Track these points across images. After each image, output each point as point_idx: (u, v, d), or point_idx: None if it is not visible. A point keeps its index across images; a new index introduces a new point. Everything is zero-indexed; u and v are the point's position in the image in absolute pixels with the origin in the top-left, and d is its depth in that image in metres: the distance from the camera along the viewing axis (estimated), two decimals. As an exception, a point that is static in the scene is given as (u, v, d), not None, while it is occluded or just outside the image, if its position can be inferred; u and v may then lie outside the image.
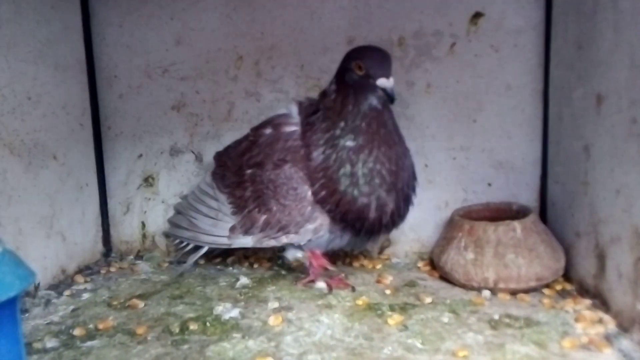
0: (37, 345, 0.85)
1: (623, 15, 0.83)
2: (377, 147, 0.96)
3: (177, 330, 0.90)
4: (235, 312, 0.96)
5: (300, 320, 0.93)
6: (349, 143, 0.98)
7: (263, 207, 1.06)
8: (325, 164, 1.00)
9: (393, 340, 0.85)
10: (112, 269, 1.26)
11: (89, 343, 0.86)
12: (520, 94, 1.22)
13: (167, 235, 1.33)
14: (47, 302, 1.04)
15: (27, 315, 0.98)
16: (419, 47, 1.24)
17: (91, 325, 0.93)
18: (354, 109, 0.97)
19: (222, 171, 1.19)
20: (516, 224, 1.03)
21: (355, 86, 0.97)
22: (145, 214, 1.37)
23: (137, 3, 1.30)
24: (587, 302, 0.95)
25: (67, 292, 1.10)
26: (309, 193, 1.02)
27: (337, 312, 0.96)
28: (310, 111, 1.07)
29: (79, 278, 1.18)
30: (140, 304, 1.02)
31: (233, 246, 1.11)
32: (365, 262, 1.26)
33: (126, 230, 1.37)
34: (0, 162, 1.00)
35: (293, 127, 1.08)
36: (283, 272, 1.21)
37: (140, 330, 0.90)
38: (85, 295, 1.09)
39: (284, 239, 1.06)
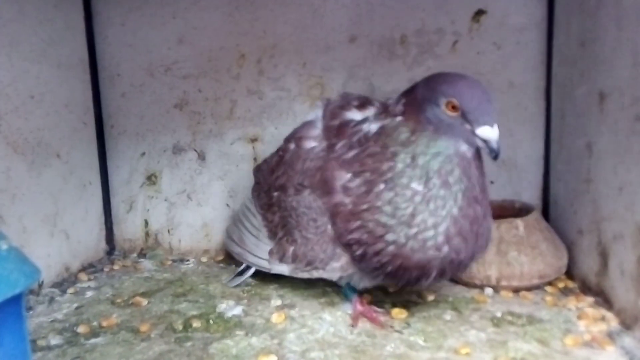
0: (41, 343, 0.86)
1: (626, 12, 0.83)
2: (452, 200, 0.76)
3: (180, 327, 0.91)
4: (238, 310, 0.97)
5: (303, 318, 0.93)
6: (416, 186, 0.76)
7: (290, 237, 0.94)
8: (370, 201, 0.79)
9: (395, 338, 0.85)
10: (116, 267, 1.26)
11: (92, 340, 0.87)
12: (522, 91, 1.22)
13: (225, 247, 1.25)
14: (51, 300, 1.05)
15: (31, 312, 0.99)
16: (421, 45, 1.24)
17: (95, 323, 0.93)
18: (431, 148, 0.76)
19: (258, 189, 1.09)
20: (519, 222, 1.03)
21: (438, 125, 0.76)
22: (148, 212, 1.37)
23: (139, 2, 1.30)
24: (590, 299, 0.95)
25: (70, 290, 1.10)
26: (329, 227, 0.85)
27: (339, 310, 0.96)
28: (342, 119, 0.89)
29: (83, 276, 1.18)
30: (144, 302, 1.03)
31: (272, 271, 1.00)
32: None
33: (129, 229, 1.37)
34: (3, 160, 1.00)
35: (313, 143, 0.91)
36: (286, 270, 1.21)
37: (143, 328, 0.90)
38: (89, 293, 1.09)
39: (315, 273, 0.91)
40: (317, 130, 0.92)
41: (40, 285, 1.08)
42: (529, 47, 1.19)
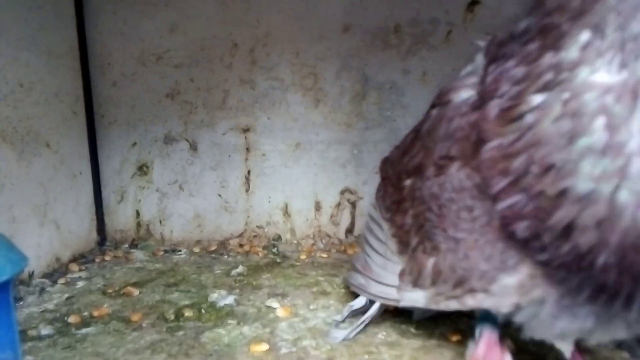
0: (31, 333, 0.85)
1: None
2: None
3: (172, 317, 0.90)
4: (230, 299, 0.97)
5: (295, 307, 0.93)
6: (604, 76, 0.43)
7: (428, 244, 0.63)
8: (532, 136, 0.47)
9: (387, 326, 0.85)
10: (107, 258, 1.25)
11: (83, 330, 0.86)
12: (515, 82, 1.21)
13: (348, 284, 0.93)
14: (42, 291, 1.04)
15: (21, 303, 0.98)
16: (415, 35, 1.24)
17: (86, 313, 0.93)
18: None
19: (384, 186, 0.82)
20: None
21: None
22: (139, 203, 1.36)
23: (130, -11, 1.29)
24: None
25: (61, 281, 1.09)
26: (495, 217, 0.52)
27: (332, 299, 0.96)
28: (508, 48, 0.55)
29: (74, 266, 1.17)
30: (135, 292, 1.02)
31: (402, 304, 0.70)
32: (360, 249, 1.26)
33: (120, 219, 1.37)
34: (-8, 149, 0.99)
35: (466, 93, 0.60)
36: (278, 260, 1.21)
37: (135, 318, 0.90)
38: (80, 284, 1.08)
39: (470, 301, 0.57)
40: (475, 77, 0.60)
41: (31, 276, 1.07)
42: (522, 38, 1.19)
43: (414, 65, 1.25)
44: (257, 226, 1.34)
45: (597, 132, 0.42)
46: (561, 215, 0.44)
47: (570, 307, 0.48)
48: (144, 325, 0.88)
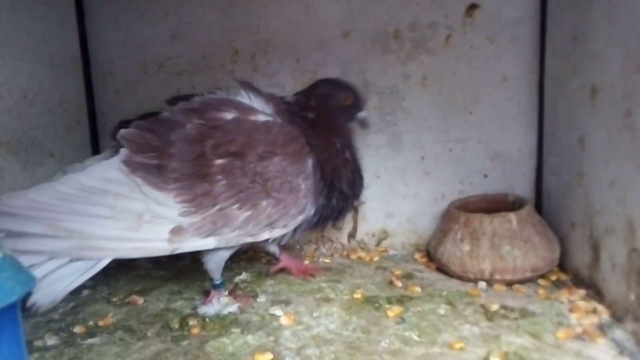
0: (37, 343, 0.86)
1: (618, 7, 0.83)
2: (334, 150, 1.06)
3: (176, 326, 0.91)
4: (234, 307, 0.97)
5: (298, 314, 0.94)
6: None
7: (245, 204, 0.92)
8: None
9: (390, 333, 0.86)
10: (112, 265, 1.26)
11: (89, 340, 0.87)
12: (516, 85, 1.22)
13: None
14: (48, 299, 1.05)
15: (27, 313, 0.99)
16: (414, 39, 1.24)
17: (91, 323, 0.94)
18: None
19: (158, 160, 0.92)
20: (512, 216, 1.04)
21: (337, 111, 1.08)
22: (143, 210, 1.37)
23: (131, -2, 1.30)
24: (582, 292, 0.96)
25: (67, 289, 1.10)
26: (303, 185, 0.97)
27: (335, 306, 0.97)
28: (282, 105, 1.05)
29: (79, 274, 1.18)
30: (140, 300, 1.03)
31: (177, 251, 0.91)
32: (363, 254, 1.27)
33: (125, 226, 1.37)
34: (-3, 161, 1.00)
35: (266, 117, 0.98)
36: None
37: (140, 327, 0.91)
38: (85, 292, 1.10)
39: (266, 235, 0.96)
40: (268, 108, 1.02)
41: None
42: (522, 41, 1.19)
43: (414, 70, 1.25)
44: (260, 231, 1.34)
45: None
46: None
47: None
48: (148, 334, 0.89)
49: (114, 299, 1.05)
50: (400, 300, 0.98)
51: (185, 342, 0.85)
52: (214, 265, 1.00)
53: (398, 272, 1.13)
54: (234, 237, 0.94)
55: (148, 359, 0.80)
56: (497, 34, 1.21)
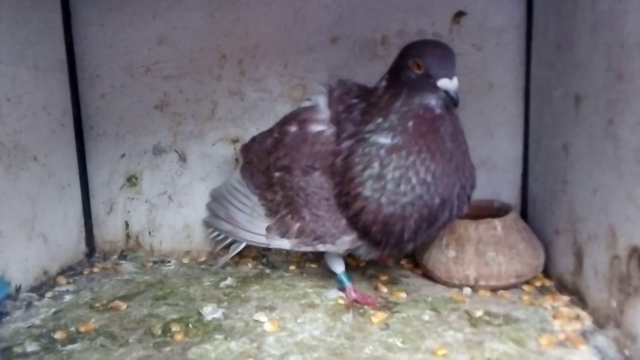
0: (17, 350, 0.85)
1: (601, 17, 0.84)
2: (423, 152, 0.83)
3: (159, 332, 0.90)
4: (218, 313, 0.97)
5: (283, 320, 0.93)
6: (383, 140, 0.85)
7: (296, 215, 0.98)
8: (346, 163, 0.89)
9: (374, 340, 0.86)
10: (96, 270, 1.25)
11: (69, 347, 0.86)
12: (502, 92, 1.23)
13: (206, 224, 1.29)
14: (29, 305, 1.04)
15: (7, 318, 0.97)
16: (402, 45, 1.24)
17: (72, 328, 0.93)
18: (402, 107, 0.85)
19: (250, 169, 1.11)
20: (497, 222, 1.04)
21: (410, 85, 0.84)
22: (128, 214, 1.36)
23: (118, 1, 1.29)
24: (566, 298, 0.97)
25: (49, 294, 1.09)
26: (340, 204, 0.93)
27: (320, 312, 0.96)
28: (348, 103, 0.96)
29: (62, 279, 1.17)
30: (123, 306, 1.02)
31: (271, 246, 1.06)
32: (349, 260, 1.26)
33: (109, 230, 1.36)
34: (-21, 164, 0.99)
35: (320, 126, 0.96)
36: (267, 271, 1.21)
37: (122, 333, 0.90)
38: (68, 297, 1.08)
39: (321, 247, 0.97)
40: (324, 115, 0.96)
41: (18, 290, 1.07)
42: (508, 49, 1.20)
43: (402, 76, 1.25)
44: (246, 237, 1.34)
45: (375, 167, 0.85)
46: (356, 206, 0.87)
47: (372, 246, 0.94)
48: (130, 341, 0.88)
49: (97, 305, 1.03)
50: (385, 306, 0.98)
51: (168, 349, 0.85)
52: (327, 260, 1.07)
53: (384, 278, 1.13)
54: (296, 244, 1.00)
55: (129, 366, 0.79)
56: (483, 41, 1.21)
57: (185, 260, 1.30)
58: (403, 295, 1.03)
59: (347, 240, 0.94)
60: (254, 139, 1.15)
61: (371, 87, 0.96)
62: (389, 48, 1.25)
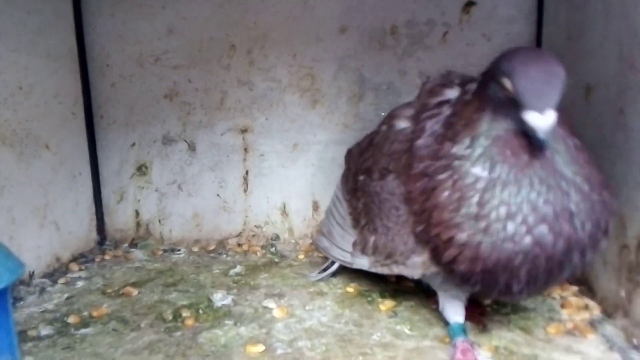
0: (31, 333, 0.86)
1: (612, 6, 0.84)
2: (527, 185, 0.64)
3: (170, 317, 0.92)
4: (228, 300, 0.98)
5: (291, 307, 0.94)
6: (479, 171, 0.66)
7: (371, 225, 0.85)
8: (432, 196, 0.70)
9: (382, 327, 0.86)
10: (107, 257, 1.27)
11: (82, 330, 0.87)
12: (511, 83, 1.22)
13: (314, 243, 1.18)
14: (42, 291, 1.05)
15: (21, 303, 0.99)
16: (411, 36, 1.24)
17: (85, 313, 0.94)
18: (490, 130, 0.67)
19: (347, 174, 1.02)
20: (505, 213, 1.04)
21: (497, 104, 0.66)
22: (139, 203, 1.37)
23: (128, -9, 1.30)
24: (574, 288, 0.97)
25: (61, 280, 1.11)
26: (411, 217, 0.75)
27: (328, 300, 0.97)
28: (440, 97, 0.79)
29: (74, 266, 1.19)
30: (134, 292, 1.03)
31: (354, 266, 0.91)
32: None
33: (120, 219, 1.38)
34: (-8, 152, 1.00)
35: (405, 124, 0.81)
36: (276, 259, 1.22)
37: (133, 318, 0.91)
38: (80, 284, 1.10)
39: (395, 269, 0.79)
40: (412, 110, 0.82)
41: (31, 276, 1.09)
42: (518, 39, 1.20)
43: (411, 66, 1.25)
44: (255, 226, 1.35)
45: (472, 205, 0.65)
46: (449, 254, 0.68)
47: (452, 280, 0.73)
48: (142, 325, 0.89)
49: (109, 291, 1.05)
50: (393, 295, 0.98)
51: (179, 333, 0.86)
52: (440, 299, 0.83)
53: (392, 268, 1.13)
54: (373, 263, 0.85)
55: (141, 349, 0.81)
56: (493, 31, 1.21)
57: (195, 249, 1.31)
58: (411, 284, 1.03)
59: (418, 263, 0.74)
60: (357, 142, 1.04)
61: (473, 81, 0.77)
62: (398, 38, 1.25)
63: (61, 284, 1.10)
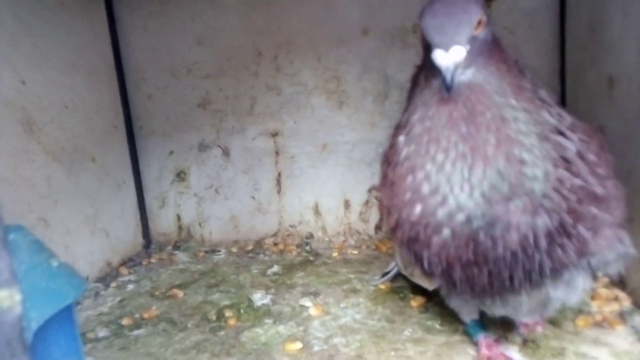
0: (90, 335, 0.95)
1: (632, -2, 0.84)
2: (441, 149, 0.59)
3: (214, 317, 0.98)
4: (267, 299, 1.04)
5: (327, 305, 0.99)
6: (402, 139, 0.65)
7: None
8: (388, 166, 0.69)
9: (414, 322, 0.90)
10: (153, 260, 1.35)
11: (135, 332, 0.95)
12: (537, 75, 1.21)
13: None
14: (97, 294, 1.14)
15: (79, 307, 1.08)
16: (433, 33, 1.26)
17: (137, 315, 1.02)
18: (422, 92, 0.63)
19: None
20: (533, 206, 1.05)
21: (425, 63, 0.64)
22: (179, 207, 1.45)
23: (158, 6, 1.36)
24: (605, 279, 0.98)
25: (113, 284, 1.19)
26: None
27: (361, 297, 1.02)
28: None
29: (123, 270, 1.27)
30: (180, 294, 1.11)
31: (403, 272, 0.96)
32: (390, 245, 1.31)
33: (163, 223, 1.46)
34: (44, 169, 1.09)
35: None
36: (311, 258, 1.27)
37: (180, 319, 0.98)
38: (130, 287, 1.18)
39: (414, 279, 0.86)
40: None
41: (86, 281, 1.18)
42: (542, 31, 1.20)
43: (434, 63, 1.27)
44: (289, 225, 1.41)
45: (398, 176, 0.65)
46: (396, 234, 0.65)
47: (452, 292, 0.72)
48: (189, 326, 0.96)
49: (157, 293, 1.12)
50: (424, 291, 1.01)
51: (222, 333, 0.92)
52: (451, 305, 0.81)
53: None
54: (403, 269, 0.92)
55: (189, 349, 0.88)
56: (516, 24, 1.21)
57: (234, 250, 1.38)
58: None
59: (419, 275, 0.78)
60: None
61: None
62: (419, 36, 1.26)
63: (113, 287, 1.18)
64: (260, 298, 1.04)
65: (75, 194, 1.18)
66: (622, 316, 0.86)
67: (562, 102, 1.20)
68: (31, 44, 1.07)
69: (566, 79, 1.17)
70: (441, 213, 0.58)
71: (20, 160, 1.02)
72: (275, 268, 1.21)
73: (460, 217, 0.57)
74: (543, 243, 0.57)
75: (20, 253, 0.53)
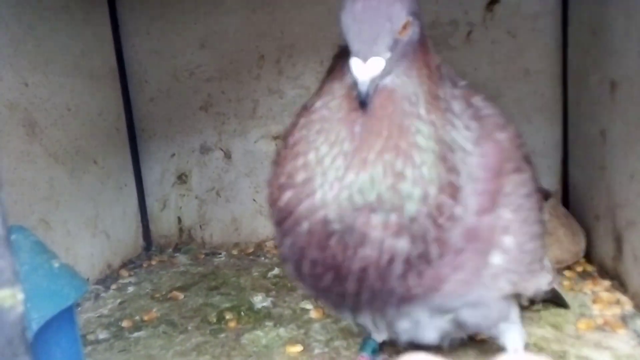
0: (90, 337, 0.94)
1: (634, 2, 0.84)
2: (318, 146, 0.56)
3: (214, 320, 0.98)
4: (267, 302, 1.04)
5: (328, 308, 0.99)
6: (302, 120, 0.61)
7: None
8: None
9: (415, 326, 0.90)
10: (153, 262, 1.35)
11: (136, 334, 0.95)
12: (539, 78, 1.23)
13: None
14: (97, 296, 1.14)
15: (79, 309, 1.08)
16: (435, 37, 1.26)
17: (137, 317, 1.02)
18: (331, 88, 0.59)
19: None
20: (535, 209, 1.05)
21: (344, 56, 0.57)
22: (180, 210, 1.45)
23: (161, 10, 1.36)
24: (606, 283, 0.98)
25: (113, 286, 1.19)
26: None
27: (362, 300, 1.01)
28: None
29: (124, 272, 1.27)
30: (180, 296, 1.11)
31: None
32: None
33: (164, 225, 1.46)
34: (46, 171, 1.09)
35: None
36: (312, 261, 1.27)
37: (181, 321, 0.98)
38: (130, 289, 1.18)
39: None
40: None
41: (87, 283, 1.17)
42: (543, 35, 1.20)
43: (436, 67, 1.27)
44: (290, 228, 1.40)
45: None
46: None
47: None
48: (189, 328, 0.96)
49: (157, 295, 1.12)
50: (425, 294, 1.02)
51: (223, 335, 0.92)
52: None
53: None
54: None
55: (189, 351, 0.87)
56: (518, 28, 1.21)
57: (235, 252, 1.38)
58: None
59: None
60: None
61: None
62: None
63: (113, 289, 1.18)
64: (260, 300, 1.04)
65: (76, 196, 1.18)
66: (624, 319, 0.85)
67: (565, 105, 1.20)
68: (34, 47, 1.07)
69: (568, 83, 1.17)
70: (305, 205, 0.55)
71: (23, 162, 1.02)
72: (276, 271, 1.20)
73: (320, 214, 0.53)
74: (398, 269, 0.53)
75: (21, 254, 0.53)
